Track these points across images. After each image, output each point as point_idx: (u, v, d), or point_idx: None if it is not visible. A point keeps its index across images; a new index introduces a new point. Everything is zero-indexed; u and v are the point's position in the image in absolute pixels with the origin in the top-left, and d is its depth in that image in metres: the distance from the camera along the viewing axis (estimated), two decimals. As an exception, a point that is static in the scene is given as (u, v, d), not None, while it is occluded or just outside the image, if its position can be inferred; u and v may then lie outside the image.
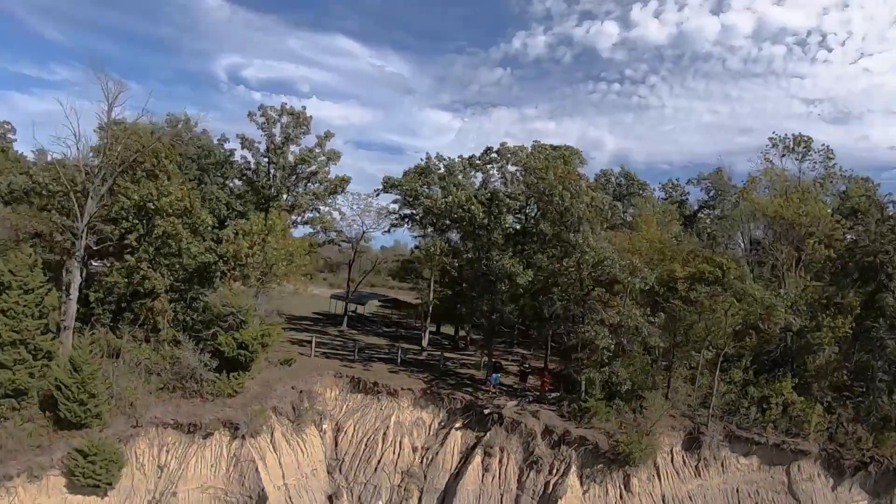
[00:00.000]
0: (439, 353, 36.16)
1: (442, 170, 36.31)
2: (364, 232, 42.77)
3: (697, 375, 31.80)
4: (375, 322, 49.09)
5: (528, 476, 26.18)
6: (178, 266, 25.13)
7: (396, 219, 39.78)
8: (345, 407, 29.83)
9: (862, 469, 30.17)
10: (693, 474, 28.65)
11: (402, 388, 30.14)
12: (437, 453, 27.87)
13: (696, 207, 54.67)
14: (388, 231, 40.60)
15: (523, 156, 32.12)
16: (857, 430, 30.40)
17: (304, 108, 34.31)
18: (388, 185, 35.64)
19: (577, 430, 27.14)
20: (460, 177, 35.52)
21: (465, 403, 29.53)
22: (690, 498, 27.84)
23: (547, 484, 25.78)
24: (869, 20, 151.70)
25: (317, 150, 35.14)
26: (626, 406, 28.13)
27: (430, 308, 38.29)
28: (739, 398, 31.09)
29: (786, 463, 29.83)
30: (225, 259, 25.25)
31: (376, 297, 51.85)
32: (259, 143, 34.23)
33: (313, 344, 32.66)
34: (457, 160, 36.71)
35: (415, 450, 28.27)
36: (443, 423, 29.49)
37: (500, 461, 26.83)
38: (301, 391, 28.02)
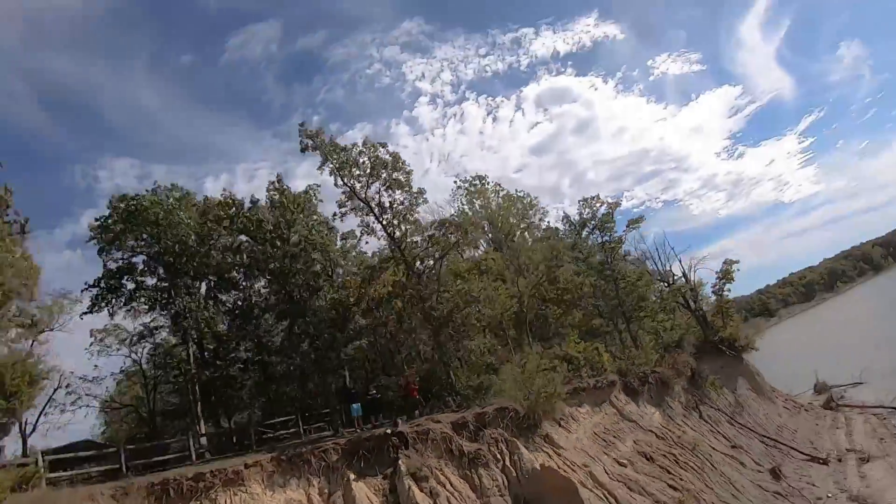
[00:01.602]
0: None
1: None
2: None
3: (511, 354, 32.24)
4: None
5: (481, 476, 20.09)
6: None
7: (99, 294, 27.01)
8: (162, 533, 16.58)
9: (645, 384, 35.97)
10: (566, 431, 27.97)
11: (244, 467, 19.06)
12: (350, 521, 18.35)
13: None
14: (89, 313, 26.48)
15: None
16: (630, 356, 36.49)
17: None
18: (124, 213, 24.06)
19: (488, 410, 22.91)
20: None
21: (344, 449, 20.86)
22: (584, 445, 26.88)
23: (505, 470, 20.40)
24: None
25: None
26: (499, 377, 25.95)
27: (198, 394, 26.15)
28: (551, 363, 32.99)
29: (606, 398, 32.68)
30: None
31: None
32: None
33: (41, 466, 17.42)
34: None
35: (316, 536, 17.86)
36: (326, 489, 19.84)
37: (440, 481, 19.76)
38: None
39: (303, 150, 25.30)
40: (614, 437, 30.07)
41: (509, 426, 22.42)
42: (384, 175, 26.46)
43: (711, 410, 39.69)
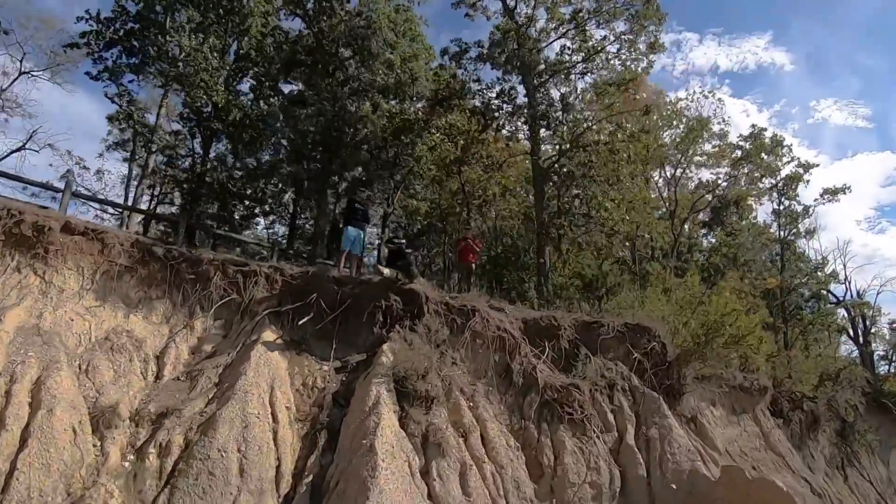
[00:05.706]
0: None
1: None
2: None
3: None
4: None
5: (559, 450, 8.35)
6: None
7: (98, 33, 17.30)
8: None
9: (796, 411, 23.01)
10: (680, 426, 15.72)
11: (59, 230, 8.16)
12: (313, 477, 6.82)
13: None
14: (76, 48, 16.72)
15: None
16: (791, 363, 23.37)
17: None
18: None
19: (609, 322, 10.91)
20: None
21: (285, 284, 9.39)
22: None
23: (622, 454, 8.55)
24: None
25: None
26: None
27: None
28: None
29: (751, 408, 19.89)
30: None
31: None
32: None
33: None
34: None
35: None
36: (202, 331, 8.65)
37: (462, 423, 8.04)
38: None
39: None
40: (753, 468, 17.56)
41: (644, 369, 10.37)
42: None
43: (859, 479, 26.31)
